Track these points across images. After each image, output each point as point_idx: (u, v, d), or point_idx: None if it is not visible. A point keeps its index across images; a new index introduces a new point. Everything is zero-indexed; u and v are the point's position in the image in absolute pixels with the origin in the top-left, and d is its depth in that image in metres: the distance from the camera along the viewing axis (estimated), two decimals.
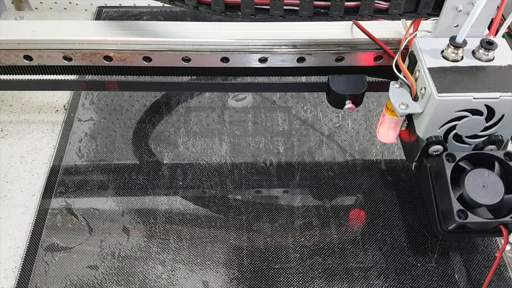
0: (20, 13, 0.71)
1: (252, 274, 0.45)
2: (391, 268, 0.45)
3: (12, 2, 0.76)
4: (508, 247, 0.46)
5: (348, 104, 0.43)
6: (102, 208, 0.49)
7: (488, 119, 0.34)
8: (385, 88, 0.39)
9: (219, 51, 0.38)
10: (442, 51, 0.36)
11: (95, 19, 0.69)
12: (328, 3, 0.36)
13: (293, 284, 0.44)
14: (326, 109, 0.59)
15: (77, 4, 0.76)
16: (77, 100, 0.59)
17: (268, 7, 0.36)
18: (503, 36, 0.37)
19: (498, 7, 0.35)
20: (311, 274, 0.45)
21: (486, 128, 0.35)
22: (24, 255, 0.45)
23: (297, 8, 0.36)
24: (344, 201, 0.50)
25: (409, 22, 0.39)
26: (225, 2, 0.37)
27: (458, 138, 0.36)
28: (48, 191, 0.50)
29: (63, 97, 0.59)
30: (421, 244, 0.47)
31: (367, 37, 0.41)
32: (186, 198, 0.50)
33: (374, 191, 0.51)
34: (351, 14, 0.37)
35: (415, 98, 0.36)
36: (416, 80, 0.36)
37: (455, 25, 0.37)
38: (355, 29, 0.42)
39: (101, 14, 0.71)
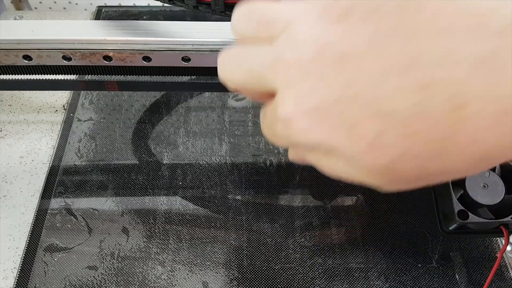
0: (20, 12, 0.70)
1: (252, 275, 0.44)
2: (391, 269, 0.45)
3: (11, 2, 0.76)
4: (508, 248, 0.46)
5: None
6: (101, 208, 0.49)
7: None
8: None
9: (219, 51, 0.38)
10: None
11: (95, 19, 0.69)
12: None
13: (293, 285, 0.44)
14: None
15: (76, 3, 0.76)
16: (76, 100, 0.59)
17: None
18: None
19: None
20: (311, 274, 0.45)
21: None
22: (23, 255, 0.45)
23: None
24: (344, 201, 0.50)
25: None
26: (225, 2, 0.37)
27: None
28: (48, 191, 0.50)
29: (63, 97, 0.59)
30: (421, 244, 0.47)
31: None
32: (186, 198, 0.50)
33: (374, 191, 0.51)
34: None
35: None
36: None
37: None
38: None
39: (101, 13, 0.70)
